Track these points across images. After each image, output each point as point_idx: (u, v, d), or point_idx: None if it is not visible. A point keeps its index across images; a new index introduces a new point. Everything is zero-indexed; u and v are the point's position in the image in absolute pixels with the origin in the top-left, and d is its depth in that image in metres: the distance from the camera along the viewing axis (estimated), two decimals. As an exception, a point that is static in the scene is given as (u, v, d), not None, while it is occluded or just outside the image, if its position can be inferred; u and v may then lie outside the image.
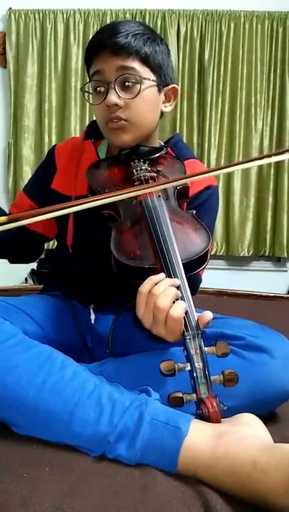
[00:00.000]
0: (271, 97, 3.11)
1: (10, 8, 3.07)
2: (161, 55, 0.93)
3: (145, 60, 0.91)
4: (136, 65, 0.90)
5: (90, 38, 0.95)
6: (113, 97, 0.88)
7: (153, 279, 0.71)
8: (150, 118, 0.96)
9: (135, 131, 0.93)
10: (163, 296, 0.68)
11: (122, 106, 0.90)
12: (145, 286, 0.70)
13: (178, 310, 0.67)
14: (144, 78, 0.90)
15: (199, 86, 3.10)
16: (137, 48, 0.89)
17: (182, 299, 0.70)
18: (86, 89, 0.96)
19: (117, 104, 0.89)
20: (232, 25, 3.05)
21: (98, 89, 0.92)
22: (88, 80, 0.96)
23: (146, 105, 0.93)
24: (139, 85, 0.90)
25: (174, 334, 0.68)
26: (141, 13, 3.07)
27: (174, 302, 0.68)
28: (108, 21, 3.04)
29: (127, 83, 0.89)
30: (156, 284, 0.70)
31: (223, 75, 3.07)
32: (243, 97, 3.08)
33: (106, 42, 0.88)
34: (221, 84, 3.08)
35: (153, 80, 0.92)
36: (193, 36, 3.06)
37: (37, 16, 3.07)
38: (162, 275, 0.71)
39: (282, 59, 3.08)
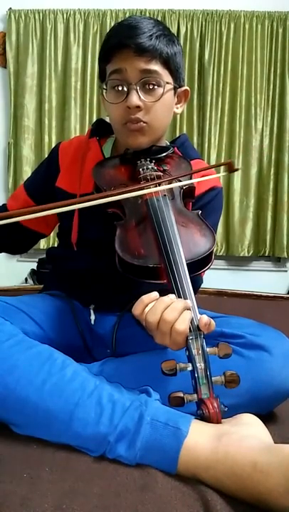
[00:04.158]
0: (271, 97, 3.11)
1: (10, 8, 3.07)
2: (179, 56, 0.94)
3: (166, 63, 0.91)
4: (158, 67, 0.90)
5: (109, 32, 0.94)
6: (135, 99, 0.88)
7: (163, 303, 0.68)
8: (166, 120, 0.97)
9: (152, 134, 0.94)
10: (171, 309, 0.66)
11: (143, 108, 0.90)
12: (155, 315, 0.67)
13: (182, 325, 0.65)
14: (167, 83, 0.91)
15: (199, 86, 3.10)
16: (160, 50, 0.89)
17: (185, 298, 0.69)
18: (104, 87, 0.94)
19: (138, 106, 0.89)
20: (232, 25, 3.05)
21: (117, 87, 0.91)
22: (100, 76, 0.96)
23: (165, 108, 0.94)
24: (160, 89, 0.91)
25: (177, 345, 0.67)
26: (141, 13, 3.07)
27: None
28: (108, 21, 3.05)
29: (148, 86, 0.90)
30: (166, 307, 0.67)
31: (223, 75, 3.07)
32: (243, 97, 3.09)
33: (130, 41, 0.87)
34: (221, 84, 3.08)
35: (172, 83, 0.93)
36: (193, 36, 3.06)
37: (37, 16, 3.07)
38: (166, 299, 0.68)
39: (282, 59, 3.08)
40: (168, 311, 0.66)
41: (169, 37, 0.92)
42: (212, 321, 0.67)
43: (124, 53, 0.88)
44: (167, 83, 0.91)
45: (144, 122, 0.91)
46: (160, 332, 0.67)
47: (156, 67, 0.89)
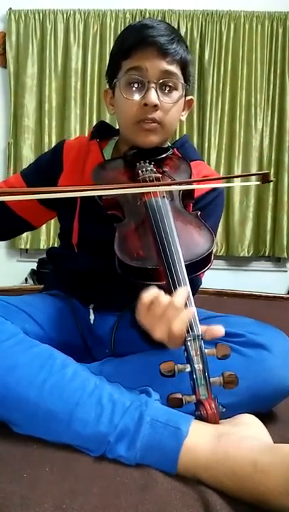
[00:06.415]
0: (271, 97, 3.12)
1: (10, 8, 3.07)
2: (192, 66, 0.97)
3: (183, 69, 0.93)
4: (178, 71, 0.92)
5: (128, 29, 0.95)
6: (155, 97, 0.89)
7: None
8: (176, 124, 0.99)
9: (163, 135, 0.95)
10: (172, 308, 0.67)
11: (159, 108, 0.90)
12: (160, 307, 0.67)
13: (179, 325, 0.66)
14: (184, 86, 0.93)
15: (199, 86, 3.10)
16: (181, 54, 0.91)
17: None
18: (116, 81, 0.94)
19: (156, 105, 0.89)
20: (232, 25, 3.05)
21: (133, 84, 0.91)
22: (111, 71, 0.96)
23: (178, 111, 0.96)
24: (177, 92, 0.93)
25: (175, 343, 0.67)
26: (141, 13, 3.07)
27: None
28: (108, 21, 3.05)
29: (166, 87, 0.91)
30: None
31: (223, 75, 3.08)
32: (243, 97, 3.09)
33: (154, 40, 0.88)
34: (221, 84, 3.09)
35: (186, 89, 0.95)
36: (193, 36, 3.06)
37: (37, 16, 3.07)
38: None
39: (282, 59, 3.08)
40: (170, 310, 0.66)
41: (186, 45, 0.94)
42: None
43: (148, 52, 0.88)
44: (186, 87, 0.93)
45: (158, 123, 0.92)
46: (161, 324, 0.67)
47: (176, 70, 0.91)
